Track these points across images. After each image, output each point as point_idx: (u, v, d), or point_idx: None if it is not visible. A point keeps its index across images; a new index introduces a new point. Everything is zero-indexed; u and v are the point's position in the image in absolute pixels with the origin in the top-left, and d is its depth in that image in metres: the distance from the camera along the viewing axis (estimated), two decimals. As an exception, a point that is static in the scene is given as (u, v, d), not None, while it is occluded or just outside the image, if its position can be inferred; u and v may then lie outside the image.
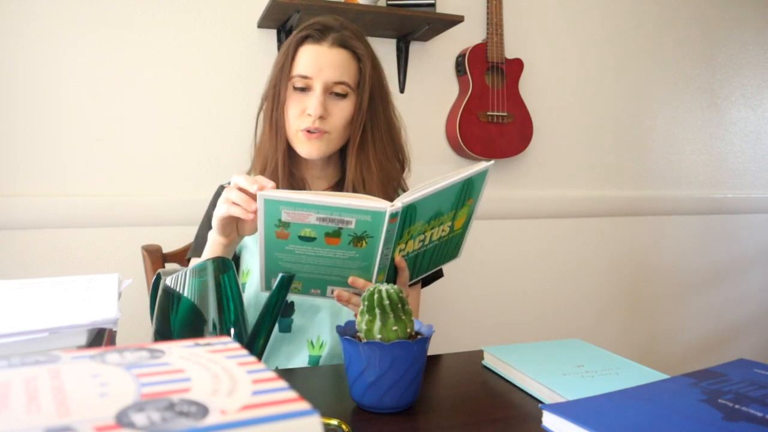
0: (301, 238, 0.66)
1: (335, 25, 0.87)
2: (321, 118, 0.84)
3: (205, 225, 0.92)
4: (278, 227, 0.65)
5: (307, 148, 0.87)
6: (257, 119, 0.93)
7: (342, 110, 0.86)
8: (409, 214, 0.66)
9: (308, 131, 0.85)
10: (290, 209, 0.63)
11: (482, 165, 0.70)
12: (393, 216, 0.64)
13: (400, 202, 0.63)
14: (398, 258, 0.70)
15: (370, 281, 0.69)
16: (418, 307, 0.96)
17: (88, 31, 1.30)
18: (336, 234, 0.65)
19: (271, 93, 0.88)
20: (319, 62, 0.84)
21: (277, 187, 0.85)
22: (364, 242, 0.66)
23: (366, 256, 0.67)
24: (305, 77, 0.85)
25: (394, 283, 0.74)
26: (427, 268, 0.78)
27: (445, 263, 0.80)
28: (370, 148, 0.89)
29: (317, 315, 0.86)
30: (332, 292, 0.72)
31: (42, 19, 1.27)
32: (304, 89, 0.85)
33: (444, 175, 0.68)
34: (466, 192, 0.71)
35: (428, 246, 0.73)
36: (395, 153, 0.93)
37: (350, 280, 0.69)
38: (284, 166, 0.88)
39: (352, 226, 0.64)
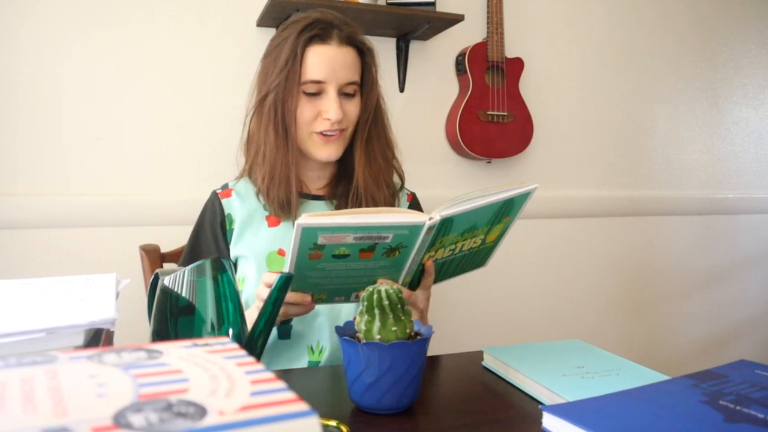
0: (335, 256, 0.65)
1: (335, 21, 0.85)
2: (339, 120, 0.84)
3: (199, 237, 0.91)
4: (312, 250, 0.64)
5: (326, 152, 0.86)
6: (248, 124, 0.91)
7: (352, 109, 0.86)
8: (444, 226, 0.66)
9: (325, 135, 0.85)
10: (328, 233, 0.62)
11: (527, 187, 0.69)
12: (430, 228, 0.64)
13: (438, 215, 0.63)
14: (429, 262, 0.70)
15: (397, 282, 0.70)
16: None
17: (87, 30, 1.30)
18: (371, 249, 0.65)
19: (274, 98, 0.84)
20: (332, 64, 0.82)
21: (290, 195, 0.84)
22: (397, 252, 0.66)
23: (396, 264, 0.68)
24: (318, 82, 0.83)
25: (418, 284, 0.74)
26: (452, 274, 0.77)
27: (471, 271, 0.80)
28: (375, 142, 0.89)
29: (316, 320, 0.85)
30: (356, 296, 0.72)
31: (41, 18, 1.27)
32: (315, 93, 0.84)
33: (485, 189, 0.67)
34: (505, 210, 0.70)
35: (457, 255, 0.73)
36: (393, 141, 0.94)
37: (379, 282, 0.69)
38: (295, 173, 0.86)
39: (389, 240, 0.64)
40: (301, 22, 0.84)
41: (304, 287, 0.69)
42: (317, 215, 0.62)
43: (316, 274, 0.67)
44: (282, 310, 0.69)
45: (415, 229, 0.63)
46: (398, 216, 0.62)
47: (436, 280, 0.76)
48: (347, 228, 0.62)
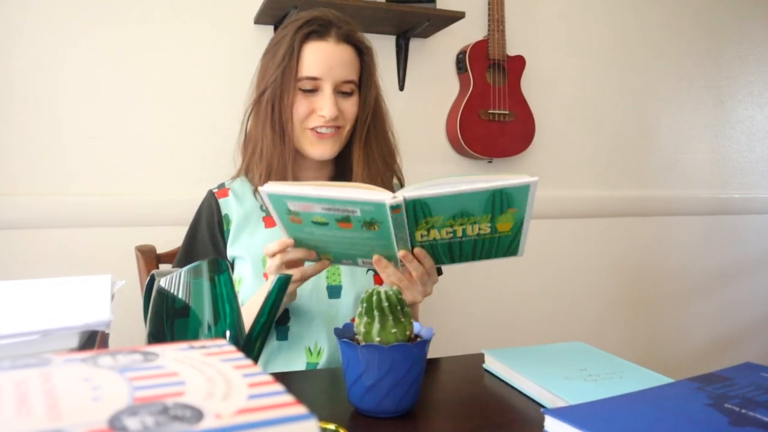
0: (315, 223, 0.66)
1: (333, 19, 0.85)
2: (334, 118, 0.83)
3: (195, 236, 0.90)
4: (289, 215, 0.66)
5: (319, 149, 0.85)
6: (246, 123, 0.91)
7: (349, 108, 0.86)
8: (419, 207, 0.63)
9: (318, 132, 0.84)
10: (295, 201, 0.64)
11: (519, 179, 0.63)
12: (395, 207, 0.62)
13: (401, 196, 0.61)
14: (402, 253, 0.68)
15: (393, 258, 0.69)
16: (418, 307, 0.95)
17: (84, 29, 1.29)
18: (346, 220, 0.65)
19: (271, 94, 0.84)
20: (329, 61, 0.82)
21: None
22: (375, 226, 0.65)
23: (383, 237, 0.67)
24: (314, 79, 0.83)
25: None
26: (473, 258, 0.73)
27: (501, 257, 0.75)
28: (374, 144, 0.89)
29: (313, 322, 0.84)
30: (363, 263, 0.72)
31: (38, 17, 1.26)
32: (311, 90, 0.84)
33: (465, 176, 0.65)
34: (503, 201, 0.65)
35: (464, 239, 0.70)
36: (393, 144, 0.93)
37: (375, 258, 0.69)
38: (293, 170, 0.86)
39: (359, 214, 0.63)
40: (300, 20, 0.85)
41: (304, 246, 0.70)
42: (284, 183, 0.64)
43: (308, 237, 0.68)
44: (298, 273, 0.69)
45: (379, 206, 0.62)
46: (358, 192, 0.62)
47: (455, 260, 0.73)
48: (310, 198, 0.62)
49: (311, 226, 0.66)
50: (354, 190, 0.62)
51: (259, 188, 0.63)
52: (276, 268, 0.69)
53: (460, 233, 0.69)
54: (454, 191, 0.62)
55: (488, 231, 0.69)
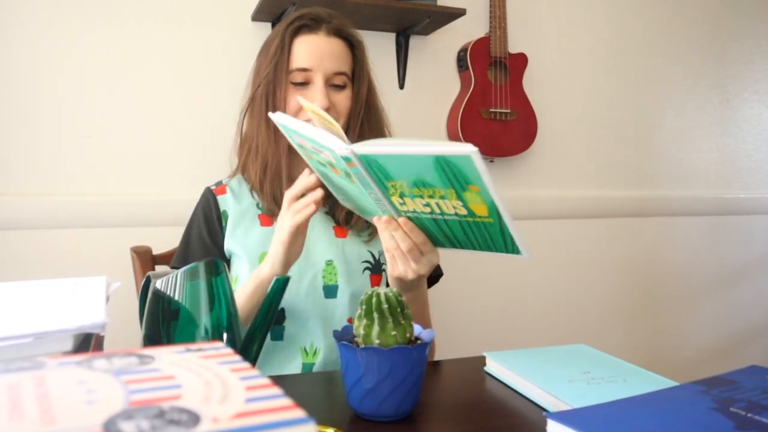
0: (319, 162, 0.67)
1: (324, 15, 0.86)
2: (326, 110, 0.84)
3: (193, 232, 0.90)
4: (301, 149, 0.68)
5: None
6: (242, 122, 0.91)
7: (342, 100, 0.86)
8: (374, 166, 0.61)
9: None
10: (295, 135, 0.66)
11: (453, 147, 0.56)
12: (347, 160, 0.60)
13: (351, 149, 0.59)
14: (395, 220, 0.67)
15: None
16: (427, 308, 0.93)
17: (83, 29, 1.28)
18: (332, 164, 0.65)
19: (264, 90, 0.85)
20: (319, 53, 0.83)
21: (282, 188, 0.84)
22: (352, 178, 0.64)
23: (362, 193, 0.66)
24: (305, 70, 0.83)
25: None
26: (467, 242, 0.70)
27: (503, 253, 0.71)
28: (368, 137, 0.89)
29: (308, 322, 0.84)
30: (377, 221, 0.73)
31: (37, 17, 1.25)
32: (303, 83, 0.84)
33: (413, 139, 0.60)
34: (454, 173, 0.58)
35: (446, 217, 0.66)
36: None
37: (375, 218, 0.70)
38: (287, 166, 0.86)
39: (333, 161, 0.64)
40: (292, 17, 0.86)
41: (335, 190, 0.74)
42: (289, 116, 0.67)
43: (323, 177, 0.71)
44: (291, 220, 0.71)
45: (334, 153, 0.62)
46: (321, 134, 0.61)
47: (455, 245, 0.71)
48: (298, 133, 0.64)
49: (318, 165, 0.68)
50: (321, 132, 0.61)
51: (269, 114, 0.68)
52: (292, 198, 0.72)
53: (436, 208, 0.65)
54: (396, 151, 0.59)
55: (465, 212, 0.64)
